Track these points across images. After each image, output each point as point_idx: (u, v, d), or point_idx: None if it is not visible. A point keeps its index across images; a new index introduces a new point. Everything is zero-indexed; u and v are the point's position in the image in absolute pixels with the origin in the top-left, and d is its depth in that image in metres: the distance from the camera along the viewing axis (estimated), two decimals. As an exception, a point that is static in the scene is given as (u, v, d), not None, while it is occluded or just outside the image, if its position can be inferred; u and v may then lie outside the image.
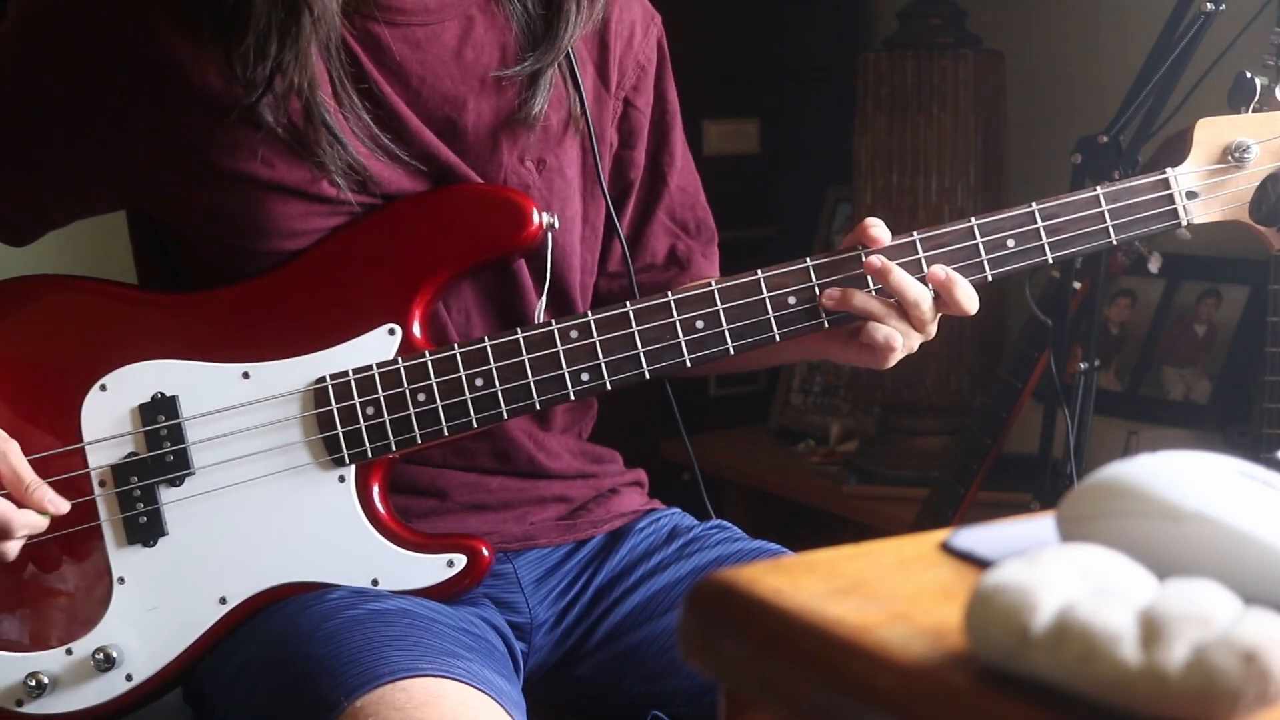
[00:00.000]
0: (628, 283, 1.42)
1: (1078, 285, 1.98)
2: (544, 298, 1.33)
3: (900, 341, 1.27)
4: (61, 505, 1.22)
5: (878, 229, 1.27)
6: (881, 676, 0.60)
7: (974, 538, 0.75)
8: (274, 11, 1.19)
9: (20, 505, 1.20)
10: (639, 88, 1.40)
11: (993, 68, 2.53)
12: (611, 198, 1.41)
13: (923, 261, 1.28)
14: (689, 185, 1.47)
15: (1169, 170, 1.33)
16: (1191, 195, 1.33)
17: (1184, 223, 1.33)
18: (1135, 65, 1.90)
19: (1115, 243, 1.32)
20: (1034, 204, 1.30)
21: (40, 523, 1.21)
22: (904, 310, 1.26)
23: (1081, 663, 0.55)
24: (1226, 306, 2.35)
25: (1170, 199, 1.33)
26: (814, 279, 1.28)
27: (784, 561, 0.72)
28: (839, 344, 1.32)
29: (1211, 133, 1.34)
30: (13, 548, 1.21)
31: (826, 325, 1.29)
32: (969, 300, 1.27)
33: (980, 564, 0.72)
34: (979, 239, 1.29)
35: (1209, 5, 1.79)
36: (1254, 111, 1.36)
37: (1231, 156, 1.33)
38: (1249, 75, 1.36)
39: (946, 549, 0.74)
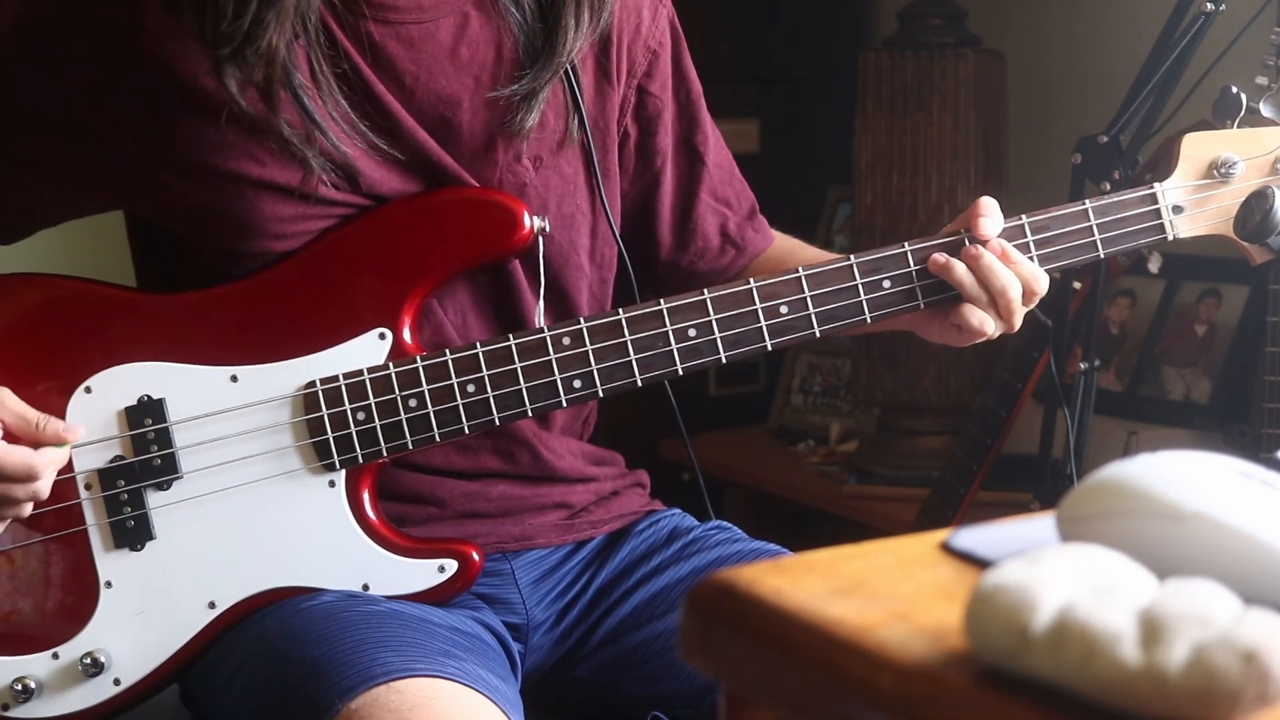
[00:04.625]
0: (683, 273, 1.43)
1: (1078, 285, 1.98)
2: (541, 301, 1.33)
3: (991, 327, 1.29)
4: (76, 431, 1.23)
5: (986, 220, 1.28)
6: (881, 676, 0.60)
7: (974, 538, 0.75)
8: None
9: (35, 445, 1.21)
10: (652, 73, 1.39)
11: (993, 68, 2.53)
12: (640, 187, 1.41)
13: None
14: (724, 161, 1.47)
15: (1156, 185, 1.34)
16: (1178, 210, 1.34)
17: (1170, 237, 1.34)
18: (1135, 65, 1.90)
19: (1103, 256, 1.33)
20: (1023, 217, 1.31)
21: (62, 455, 1.21)
22: (993, 296, 1.28)
23: (1081, 663, 0.55)
24: (1226, 306, 2.35)
25: (1157, 213, 1.34)
26: (805, 288, 1.28)
27: (784, 561, 0.72)
28: (926, 321, 1.34)
29: (1198, 147, 1.35)
30: (44, 487, 1.21)
31: (818, 335, 1.29)
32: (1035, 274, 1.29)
33: (980, 564, 0.72)
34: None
35: (1209, 5, 1.79)
36: (1239, 127, 1.37)
37: (1217, 172, 1.35)
38: (1234, 90, 1.37)
39: (946, 549, 0.74)
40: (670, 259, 1.44)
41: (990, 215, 1.29)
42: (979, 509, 2.12)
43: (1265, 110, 1.40)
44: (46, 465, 1.20)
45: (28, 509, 1.22)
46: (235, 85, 1.20)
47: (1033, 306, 1.31)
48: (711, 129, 1.45)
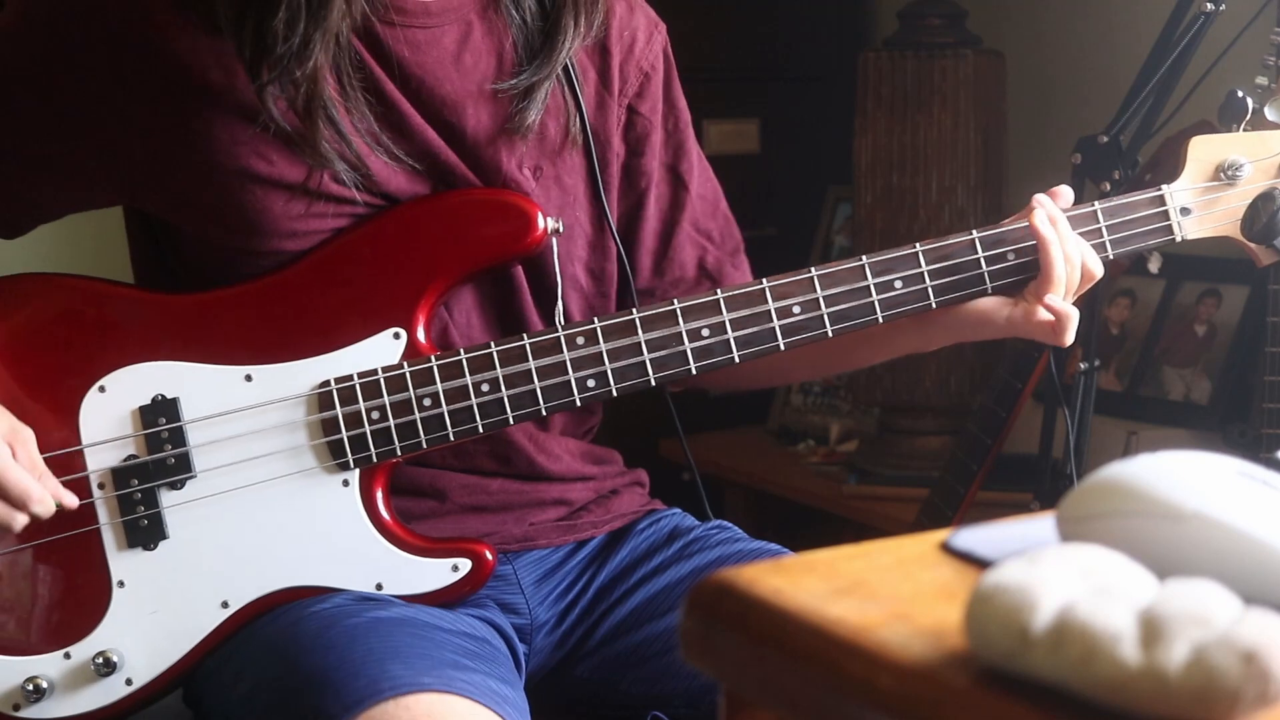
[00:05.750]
0: (658, 302, 1.41)
1: (1078, 285, 1.98)
2: (560, 303, 1.33)
3: (1066, 310, 1.29)
4: (70, 500, 1.22)
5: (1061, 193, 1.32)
6: (881, 676, 0.60)
7: (974, 538, 0.75)
8: None
9: None
10: (643, 94, 1.39)
11: (993, 68, 2.53)
12: (624, 208, 1.40)
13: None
14: (708, 192, 1.47)
15: (1164, 187, 1.36)
16: (1185, 211, 1.36)
17: (1178, 239, 1.35)
18: (1135, 65, 1.90)
19: (1111, 257, 1.34)
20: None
21: (50, 505, 1.21)
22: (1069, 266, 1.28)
23: (1081, 663, 0.55)
24: (1226, 306, 2.35)
25: (1165, 215, 1.35)
26: (818, 288, 1.29)
27: (784, 561, 0.72)
28: (947, 323, 1.34)
29: (1205, 150, 1.37)
30: (21, 520, 1.20)
31: (831, 334, 1.29)
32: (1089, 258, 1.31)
33: (980, 564, 0.72)
34: (980, 253, 1.30)
35: (1209, 5, 1.79)
36: (1245, 130, 1.38)
37: (1224, 174, 1.36)
38: (1240, 94, 1.39)
39: (946, 549, 0.74)
40: (647, 286, 1.43)
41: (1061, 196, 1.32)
42: (979, 509, 2.12)
43: (1270, 114, 1.41)
44: (38, 502, 1.19)
45: None
46: (274, 103, 1.20)
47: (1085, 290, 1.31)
48: (698, 160, 1.45)
